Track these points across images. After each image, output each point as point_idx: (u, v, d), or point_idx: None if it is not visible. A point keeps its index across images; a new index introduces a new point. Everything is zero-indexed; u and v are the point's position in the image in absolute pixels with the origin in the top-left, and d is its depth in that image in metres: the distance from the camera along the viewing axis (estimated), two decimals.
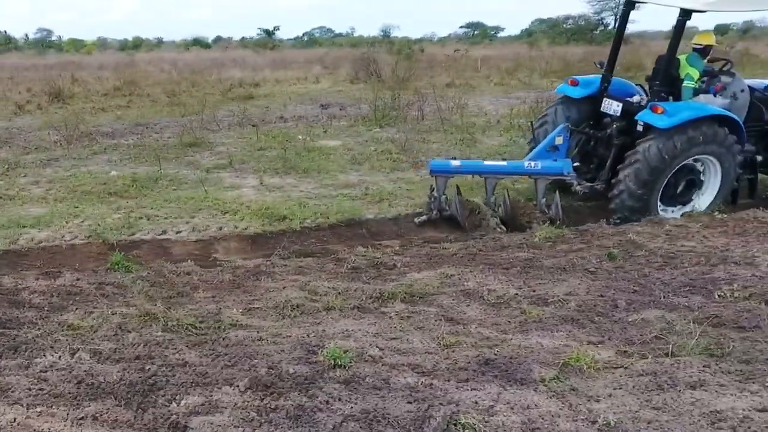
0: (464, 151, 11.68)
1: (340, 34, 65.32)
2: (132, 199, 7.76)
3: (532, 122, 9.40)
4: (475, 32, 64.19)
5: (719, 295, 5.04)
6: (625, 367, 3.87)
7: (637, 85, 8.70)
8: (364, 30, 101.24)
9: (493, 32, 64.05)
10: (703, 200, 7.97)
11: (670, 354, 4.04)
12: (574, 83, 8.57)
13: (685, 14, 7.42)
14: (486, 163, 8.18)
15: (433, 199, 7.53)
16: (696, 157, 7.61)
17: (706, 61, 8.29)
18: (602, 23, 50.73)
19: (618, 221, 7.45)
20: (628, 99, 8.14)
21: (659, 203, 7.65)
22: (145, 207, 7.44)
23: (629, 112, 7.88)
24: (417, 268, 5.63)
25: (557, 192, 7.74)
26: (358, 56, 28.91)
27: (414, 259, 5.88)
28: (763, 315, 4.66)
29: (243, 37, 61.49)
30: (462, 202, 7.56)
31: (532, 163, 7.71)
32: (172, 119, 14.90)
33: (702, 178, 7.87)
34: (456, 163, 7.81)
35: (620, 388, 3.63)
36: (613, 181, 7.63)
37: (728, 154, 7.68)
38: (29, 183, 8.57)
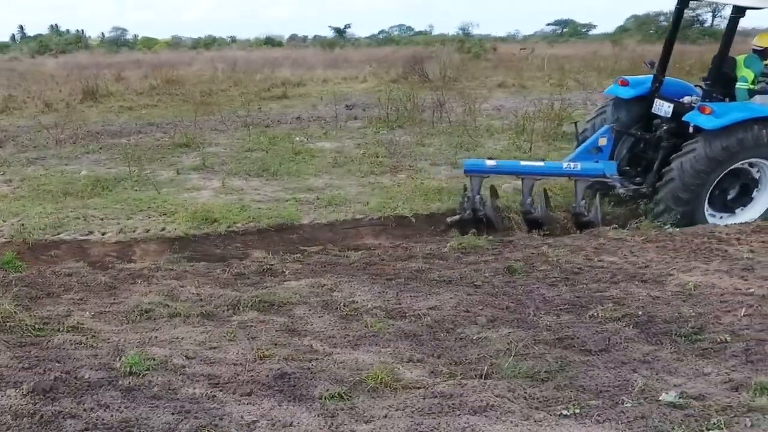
0: (455, 155, 11.51)
1: (421, 32, 64.62)
2: (84, 199, 8.01)
3: (576, 123, 9.12)
4: (564, 30, 62.21)
5: (590, 315, 4.83)
6: (425, 388, 3.77)
7: (696, 86, 8.36)
8: (443, 28, 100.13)
9: (584, 30, 61.89)
10: (757, 207, 7.62)
11: (482, 376, 3.90)
12: (624, 83, 8.31)
13: (738, 11, 7.15)
14: (522, 163, 7.97)
15: (466, 200, 7.40)
16: (749, 160, 7.29)
17: (766, 63, 7.89)
18: (697, 20, 48.32)
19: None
20: (680, 100, 7.87)
21: (708, 208, 7.40)
22: (89, 207, 7.67)
23: (680, 113, 7.57)
24: (301, 276, 5.62)
25: (597, 195, 7.55)
26: (410, 56, 28.69)
27: (306, 267, 5.88)
28: (619, 338, 4.46)
29: (315, 36, 61.78)
30: (495, 203, 7.42)
31: (572, 164, 7.51)
32: (187, 119, 15.25)
33: (757, 183, 7.54)
34: (491, 162, 7.67)
35: (401, 410, 3.53)
36: (659, 184, 7.40)
37: None
38: (2, 181, 8.97)
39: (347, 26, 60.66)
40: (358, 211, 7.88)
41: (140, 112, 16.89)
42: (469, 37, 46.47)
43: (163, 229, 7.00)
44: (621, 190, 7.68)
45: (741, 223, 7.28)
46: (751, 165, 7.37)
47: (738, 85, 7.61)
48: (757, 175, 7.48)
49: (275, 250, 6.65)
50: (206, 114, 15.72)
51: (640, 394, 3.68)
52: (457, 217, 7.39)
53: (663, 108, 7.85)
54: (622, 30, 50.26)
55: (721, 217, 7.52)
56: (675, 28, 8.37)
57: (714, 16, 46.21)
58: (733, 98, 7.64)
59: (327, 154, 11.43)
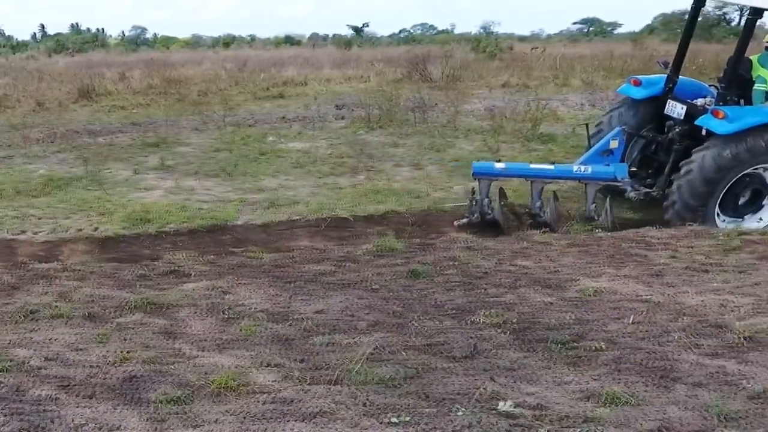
0: (423, 156, 11.53)
1: (443, 31, 64.23)
2: (31, 198, 8.18)
3: (587, 125, 9.12)
4: (590, 29, 61.47)
5: (472, 321, 4.82)
6: (269, 393, 3.80)
7: (711, 86, 8.30)
8: (466, 27, 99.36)
9: (609, 29, 61.09)
10: None
11: (332, 381, 3.93)
12: (637, 83, 8.26)
13: (756, 13, 7.13)
14: (532, 166, 7.97)
15: (474, 203, 7.41)
16: (763, 166, 7.25)
17: None
18: (724, 19, 47.44)
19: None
20: (693, 101, 7.81)
21: (719, 213, 7.34)
22: (33, 206, 7.82)
23: (693, 115, 7.51)
24: (204, 277, 5.68)
25: (608, 199, 7.53)
26: (415, 55, 28.59)
27: (216, 268, 5.94)
28: (489, 345, 4.45)
29: (335, 34, 61.82)
30: (503, 207, 7.43)
31: (582, 168, 7.52)
32: (172, 119, 15.41)
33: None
34: (500, 165, 7.65)
35: (234, 415, 3.57)
36: (667, 191, 7.40)
37: None
38: None
39: (365, 25, 60.45)
40: (297, 212, 7.92)
41: (131, 112, 17.07)
42: (490, 36, 46.03)
43: (96, 229, 7.11)
44: (631, 194, 7.64)
45: (676, 228, 7.21)
46: (764, 170, 7.29)
47: (756, 86, 7.52)
48: None
49: (203, 251, 6.71)
50: (196, 114, 15.85)
51: (479, 402, 3.68)
52: (465, 220, 7.39)
53: (676, 109, 7.78)
54: (650, 29, 49.50)
55: (734, 222, 7.44)
56: (691, 27, 8.28)
57: (741, 15, 45.21)
58: (748, 100, 7.55)
59: (293, 154, 11.48)
